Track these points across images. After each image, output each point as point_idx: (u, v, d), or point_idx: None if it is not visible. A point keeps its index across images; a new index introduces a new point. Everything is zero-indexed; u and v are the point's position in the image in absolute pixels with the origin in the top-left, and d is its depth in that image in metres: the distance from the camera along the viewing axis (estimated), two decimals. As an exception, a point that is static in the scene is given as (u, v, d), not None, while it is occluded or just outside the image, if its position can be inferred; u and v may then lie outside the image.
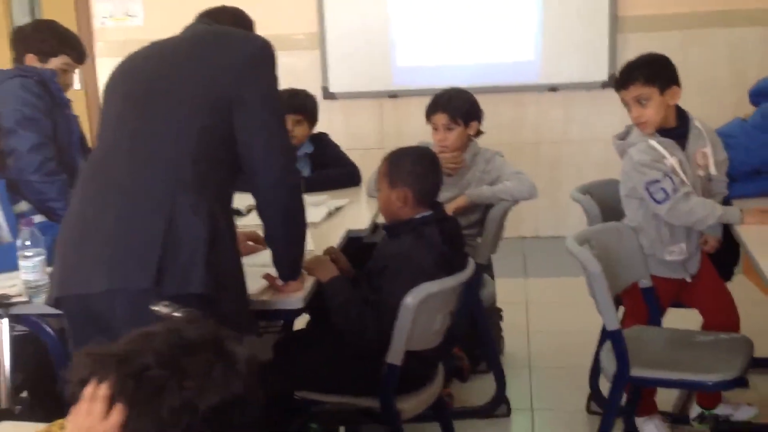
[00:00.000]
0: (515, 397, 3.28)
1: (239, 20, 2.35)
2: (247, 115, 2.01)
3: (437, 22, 5.48)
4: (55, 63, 2.88)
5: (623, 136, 2.88)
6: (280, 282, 2.24)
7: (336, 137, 5.57)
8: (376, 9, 5.50)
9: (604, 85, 5.35)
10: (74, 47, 2.93)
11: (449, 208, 3.10)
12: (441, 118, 3.21)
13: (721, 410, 2.95)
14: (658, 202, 2.70)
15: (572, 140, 5.56)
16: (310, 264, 2.41)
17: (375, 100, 5.64)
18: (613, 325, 2.46)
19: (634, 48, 5.24)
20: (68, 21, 5.41)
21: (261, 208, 2.12)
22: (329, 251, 2.58)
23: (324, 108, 5.62)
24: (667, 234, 2.79)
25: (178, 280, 1.87)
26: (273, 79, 2.09)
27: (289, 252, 2.19)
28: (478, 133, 3.30)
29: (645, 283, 2.78)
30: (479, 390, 3.32)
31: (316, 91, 5.53)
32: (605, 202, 3.19)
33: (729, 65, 5.28)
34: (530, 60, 5.45)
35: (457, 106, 3.21)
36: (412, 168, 2.49)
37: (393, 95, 5.61)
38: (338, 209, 3.21)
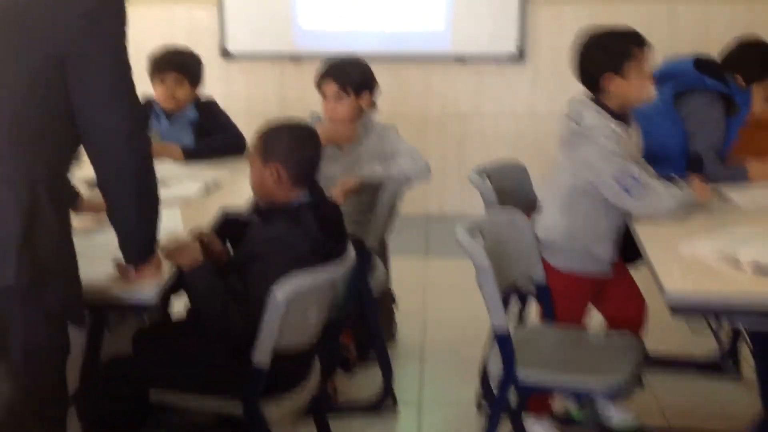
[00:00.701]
0: (403, 390, 3.09)
1: None
2: (83, 75, 1.73)
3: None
4: None
5: (576, 118, 2.55)
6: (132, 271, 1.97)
7: (234, 101, 5.32)
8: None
9: (513, 58, 5.18)
10: None
11: (339, 189, 2.88)
12: (330, 87, 2.99)
13: (605, 410, 2.84)
14: (630, 194, 2.44)
15: (482, 114, 5.38)
16: (171, 248, 2.14)
17: (276, 63, 5.33)
18: (500, 325, 2.28)
19: (544, 20, 5.17)
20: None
21: (103, 180, 1.86)
22: (197, 233, 2.32)
23: (222, 68, 5.38)
24: (605, 227, 2.58)
25: None
26: (117, 33, 1.79)
27: (137, 231, 1.92)
28: (372, 104, 3.07)
29: (539, 278, 2.62)
30: (368, 381, 3.12)
31: (213, 49, 5.27)
32: (503, 185, 3.01)
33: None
34: (440, 30, 5.23)
35: (348, 75, 2.99)
36: (287, 143, 2.24)
37: (296, 58, 5.30)
38: (217, 184, 2.93)
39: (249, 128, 3.00)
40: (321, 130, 2.96)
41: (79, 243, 1.88)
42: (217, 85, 5.31)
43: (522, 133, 5.32)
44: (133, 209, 1.87)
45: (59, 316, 1.76)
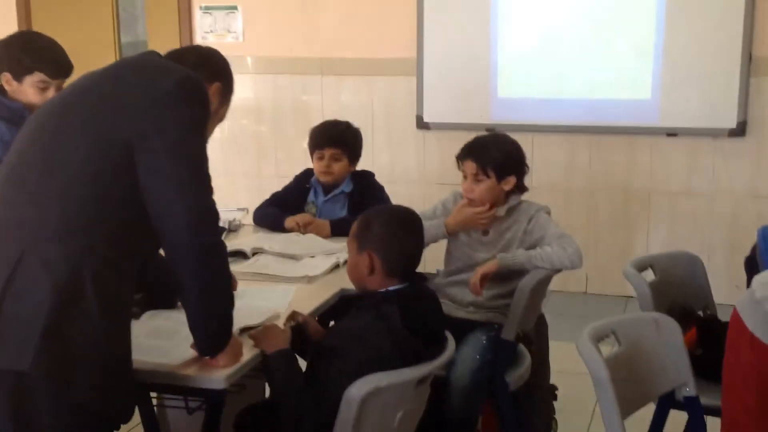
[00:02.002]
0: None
1: (204, 61, 2.04)
2: (148, 162, 1.71)
3: (543, 52, 5.00)
4: (29, 81, 2.69)
5: None
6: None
7: (428, 169, 5.31)
8: (479, 34, 5.08)
9: (732, 133, 4.66)
10: (51, 62, 2.72)
11: (476, 277, 2.67)
12: (469, 167, 2.78)
13: None
14: None
15: (694, 193, 4.89)
16: (258, 333, 2.06)
17: (471, 133, 5.19)
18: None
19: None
20: (172, 35, 5.43)
21: (172, 272, 1.80)
22: (293, 316, 2.22)
23: (417, 138, 5.37)
24: None
25: (8, 352, 1.58)
26: (187, 120, 1.76)
27: (203, 325, 1.84)
28: (521, 189, 2.84)
29: (688, 392, 2.23)
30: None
31: (410, 119, 5.28)
32: (671, 280, 2.64)
33: None
34: (647, 99, 4.84)
35: (490, 156, 2.76)
36: (382, 230, 2.10)
37: (490, 129, 5.15)
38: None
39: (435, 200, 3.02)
40: (454, 214, 2.81)
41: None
42: (411, 154, 5.34)
43: (738, 215, 4.76)
44: (197, 304, 1.80)
45: (90, 411, 1.71)
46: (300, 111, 5.44)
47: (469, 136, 5.10)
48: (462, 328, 2.65)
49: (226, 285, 1.85)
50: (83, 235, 1.69)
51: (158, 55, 1.94)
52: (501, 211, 2.79)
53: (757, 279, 2.28)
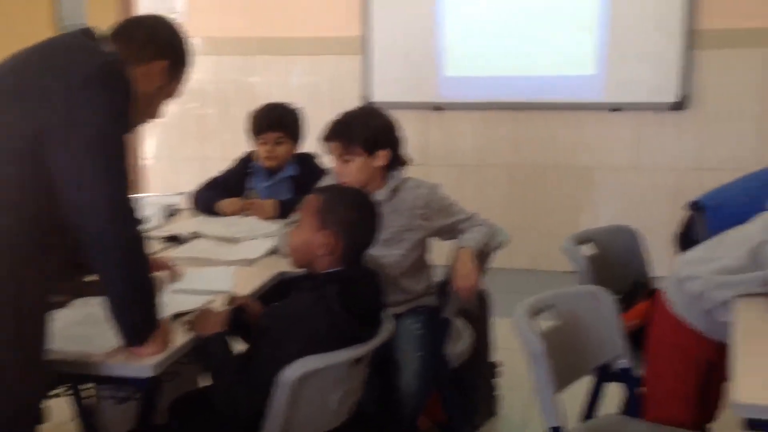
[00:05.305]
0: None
1: (151, 38, 1.94)
2: (61, 155, 1.65)
3: (490, 30, 4.99)
4: None
5: None
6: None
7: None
8: (425, 13, 5.06)
9: (674, 107, 4.72)
10: None
11: (468, 272, 2.50)
12: (335, 148, 2.55)
13: None
14: None
15: (638, 167, 4.95)
16: (193, 317, 2.03)
17: (420, 111, 5.19)
18: (552, 423, 1.96)
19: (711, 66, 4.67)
20: (113, 16, 5.30)
21: (91, 265, 1.75)
22: (232, 299, 2.19)
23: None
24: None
25: None
26: (102, 110, 1.67)
27: (127, 316, 1.79)
28: (401, 162, 2.62)
29: (622, 363, 2.26)
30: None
31: (355, 100, 5.23)
32: (608, 254, 2.66)
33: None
34: (592, 74, 4.87)
35: (354, 133, 2.51)
36: (351, 213, 2.06)
37: (439, 108, 5.15)
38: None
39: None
40: None
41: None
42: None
43: (681, 189, 4.82)
44: (120, 296, 1.75)
45: None
46: (245, 92, 5.38)
47: (418, 115, 5.18)
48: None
49: (147, 275, 1.80)
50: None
51: (85, 35, 1.83)
52: (381, 194, 2.53)
53: (681, 258, 2.31)
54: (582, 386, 2.35)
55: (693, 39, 4.63)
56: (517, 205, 5.13)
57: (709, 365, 2.25)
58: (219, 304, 2.17)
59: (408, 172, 2.69)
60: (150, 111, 1.99)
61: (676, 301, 2.26)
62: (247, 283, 2.38)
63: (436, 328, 2.62)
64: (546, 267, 4.98)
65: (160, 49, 1.96)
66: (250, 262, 2.59)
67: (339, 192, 2.24)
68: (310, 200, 2.14)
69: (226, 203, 3.17)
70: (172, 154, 5.56)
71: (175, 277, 2.35)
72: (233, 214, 3.13)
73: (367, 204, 2.16)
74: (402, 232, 2.58)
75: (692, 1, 4.60)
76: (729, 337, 1.91)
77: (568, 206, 5.07)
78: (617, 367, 2.28)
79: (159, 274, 2.23)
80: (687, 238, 2.65)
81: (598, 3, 4.77)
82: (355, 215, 2.09)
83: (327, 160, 2.69)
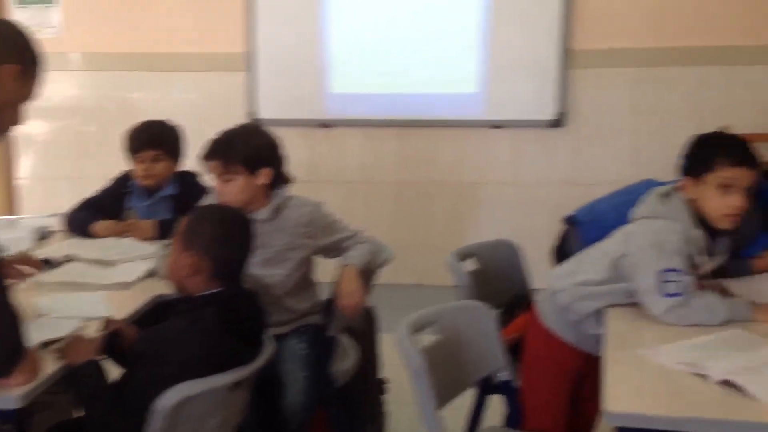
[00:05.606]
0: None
1: (1, 37, 1.82)
2: None
3: (375, 47, 5.04)
4: None
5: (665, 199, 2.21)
6: None
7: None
8: (311, 30, 5.06)
9: (551, 124, 4.88)
10: None
11: (353, 289, 2.49)
12: (214, 167, 2.48)
13: None
14: (666, 295, 2.06)
15: (518, 183, 5.08)
16: (64, 345, 1.95)
17: (307, 128, 5.18)
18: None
19: (586, 84, 4.85)
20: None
21: None
22: (107, 324, 2.11)
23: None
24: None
25: None
26: None
27: None
28: (281, 180, 2.57)
29: (503, 375, 2.30)
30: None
31: (241, 117, 5.17)
32: (490, 269, 2.71)
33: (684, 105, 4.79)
34: (474, 92, 4.98)
35: (234, 151, 2.45)
36: (216, 231, 2.03)
37: (325, 124, 5.15)
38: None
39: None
40: None
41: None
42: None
43: (562, 203, 4.98)
44: None
45: None
46: (126, 109, 5.23)
47: (305, 132, 5.17)
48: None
49: (9, 301, 1.72)
50: None
51: None
52: (264, 213, 2.50)
53: (554, 272, 2.39)
54: (467, 399, 2.38)
55: (569, 59, 4.81)
56: (404, 221, 5.18)
57: (580, 377, 2.32)
58: (92, 330, 2.10)
59: (295, 189, 2.66)
60: (12, 118, 1.88)
61: (547, 314, 2.33)
62: (122, 306, 2.31)
63: (321, 346, 2.60)
64: (433, 282, 5.03)
65: (7, 53, 1.85)
66: (126, 286, 2.51)
67: (205, 211, 2.21)
68: (181, 222, 2.11)
69: (100, 226, 3.06)
70: (48, 173, 5.35)
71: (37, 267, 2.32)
72: (108, 236, 3.03)
73: (236, 220, 2.13)
74: (286, 251, 2.55)
75: (568, 22, 4.78)
76: (599, 349, 1.97)
77: (452, 221, 5.15)
78: (498, 380, 2.32)
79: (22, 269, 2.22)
80: (563, 252, 2.74)
81: (479, 24, 4.89)
82: (219, 233, 2.05)
83: (209, 178, 2.64)
